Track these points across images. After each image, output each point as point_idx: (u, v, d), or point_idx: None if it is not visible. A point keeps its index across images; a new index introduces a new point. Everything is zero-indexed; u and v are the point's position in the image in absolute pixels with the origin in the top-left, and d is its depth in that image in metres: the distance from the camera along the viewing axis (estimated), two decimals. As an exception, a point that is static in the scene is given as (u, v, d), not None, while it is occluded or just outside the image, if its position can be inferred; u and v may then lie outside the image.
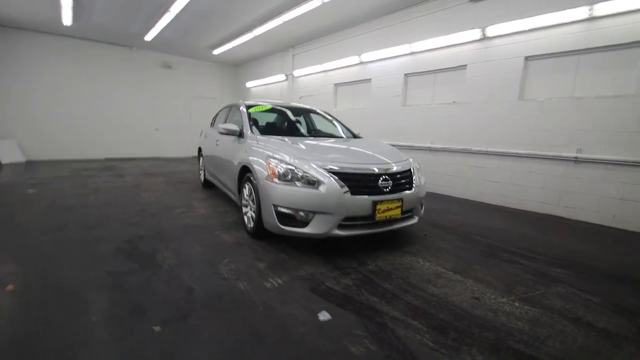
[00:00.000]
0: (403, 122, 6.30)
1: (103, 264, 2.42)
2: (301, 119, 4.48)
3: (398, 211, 2.78)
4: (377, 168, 2.78)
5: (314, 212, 2.54)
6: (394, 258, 2.75)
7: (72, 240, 2.89)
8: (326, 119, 4.48)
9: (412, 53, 5.96)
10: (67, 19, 7.00)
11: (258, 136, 3.37)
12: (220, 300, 1.99)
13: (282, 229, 2.63)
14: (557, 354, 1.63)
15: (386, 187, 2.72)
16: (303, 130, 4.27)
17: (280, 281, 2.27)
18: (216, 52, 9.49)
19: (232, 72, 11.98)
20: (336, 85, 7.86)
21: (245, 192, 3.19)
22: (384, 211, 2.67)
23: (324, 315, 1.86)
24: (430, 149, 5.81)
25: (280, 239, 3.00)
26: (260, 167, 2.84)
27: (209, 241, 3.00)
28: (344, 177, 2.61)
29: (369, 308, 1.97)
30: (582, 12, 3.95)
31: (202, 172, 5.64)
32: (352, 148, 3.29)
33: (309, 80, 8.63)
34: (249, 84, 11.19)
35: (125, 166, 8.09)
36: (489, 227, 3.78)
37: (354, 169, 2.71)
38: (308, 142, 3.31)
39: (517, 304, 2.09)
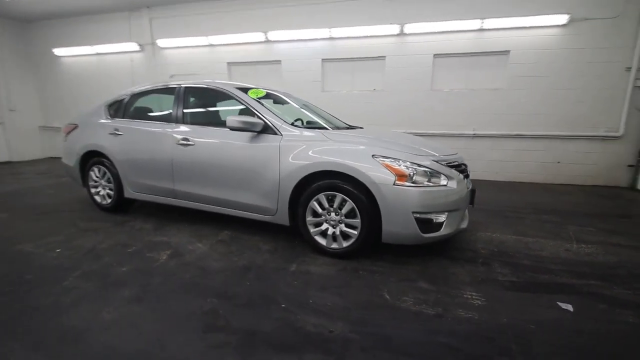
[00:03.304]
0: (324, 108, 6.28)
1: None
2: (294, 107, 3.71)
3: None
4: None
5: (448, 211, 2.38)
6: (475, 237, 3.00)
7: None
8: (311, 107, 3.93)
9: (331, 38, 5.98)
10: None
11: (329, 132, 2.63)
12: (476, 339, 1.62)
13: (424, 237, 2.30)
14: (652, 269, 2.44)
15: (468, 175, 2.88)
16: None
17: (472, 291, 2.06)
18: (4, -6, 5.85)
19: (21, 32, 7.76)
20: (230, 64, 6.73)
21: (326, 205, 2.46)
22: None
23: (566, 306, 1.91)
24: (358, 133, 6.17)
25: (376, 252, 2.59)
26: (374, 172, 2.28)
27: (313, 282, 2.18)
28: (456, 169, 2.56)
29: (561, 286, 2.16)
30: (476, 24, 5.28)
31: (101, 190, 3.67)
32: (417, 139, 3.15)
33: (185, 54, 6.91)
34: (59, 52, 7.65)
35: None
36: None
37: (456, 159, 2.69)
38: (362, 134, 2.89)
39: (588, 246, 2.84)
